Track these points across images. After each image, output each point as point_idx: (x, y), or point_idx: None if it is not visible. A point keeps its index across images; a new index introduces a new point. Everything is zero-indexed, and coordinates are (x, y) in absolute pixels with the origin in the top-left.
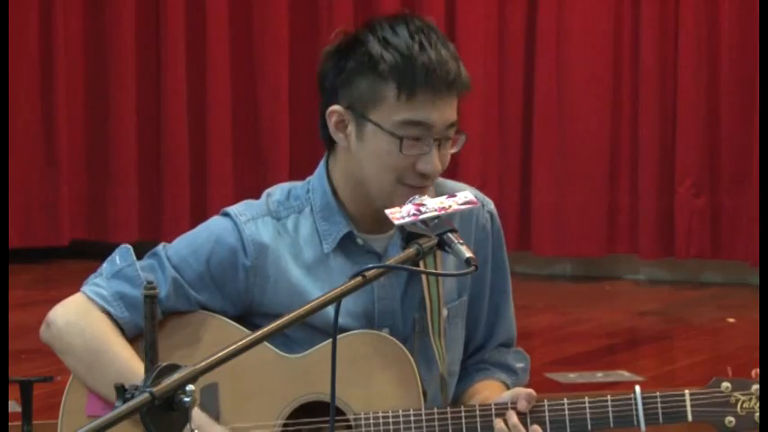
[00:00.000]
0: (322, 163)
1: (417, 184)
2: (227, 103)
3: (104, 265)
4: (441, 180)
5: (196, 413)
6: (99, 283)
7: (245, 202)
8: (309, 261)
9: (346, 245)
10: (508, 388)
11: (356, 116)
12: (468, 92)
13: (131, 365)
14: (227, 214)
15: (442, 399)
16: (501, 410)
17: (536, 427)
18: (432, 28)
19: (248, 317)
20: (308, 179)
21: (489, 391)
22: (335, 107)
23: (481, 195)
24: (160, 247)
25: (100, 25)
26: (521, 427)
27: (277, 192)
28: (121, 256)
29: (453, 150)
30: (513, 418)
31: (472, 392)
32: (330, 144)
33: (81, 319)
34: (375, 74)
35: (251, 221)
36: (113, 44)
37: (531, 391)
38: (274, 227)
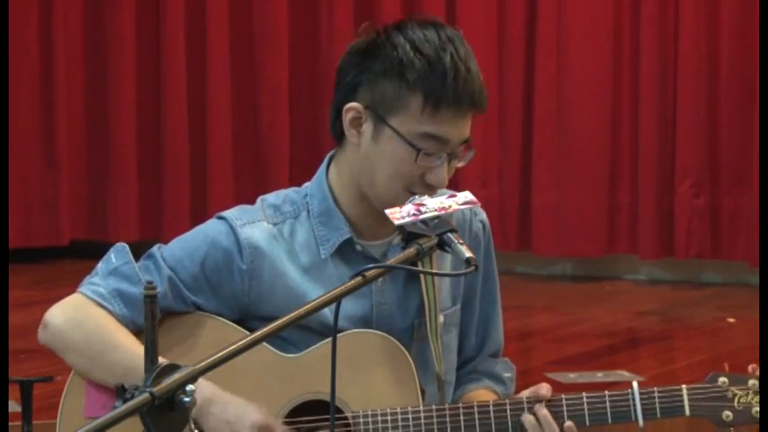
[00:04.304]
0: (320, 170)
1: (422, 193)
2: (227, 103)
3: (99, 264)
4: None
5: (207, 385)
6: (95, 282)
7: (240, 207)
8: (306, 265)
9: (344, 250)
10: (499, 396)
11: (375, 118)
12: (482, 112)
13: (136, 353)
14: (222, 218)
15: (439, 398)
16: (499, 408)
17: (570, 423)
18: (461, 40)
19: (245, 321)
20: (304, 185)
21: (482, 399)
22: (354, 104)
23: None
24: (155, 249)
25: (100, 25)
26: (551, 419)
27: (272, 197)
28: (117, 255)
29: (460, 164)
30: (542, 410)
31: (465, 401)
32: (340, 139)
33: (78, 314)
34: (402, 80)
35: (247, 225)
36: (113, 44)
37: (547, 384)
38: (270, 231)
